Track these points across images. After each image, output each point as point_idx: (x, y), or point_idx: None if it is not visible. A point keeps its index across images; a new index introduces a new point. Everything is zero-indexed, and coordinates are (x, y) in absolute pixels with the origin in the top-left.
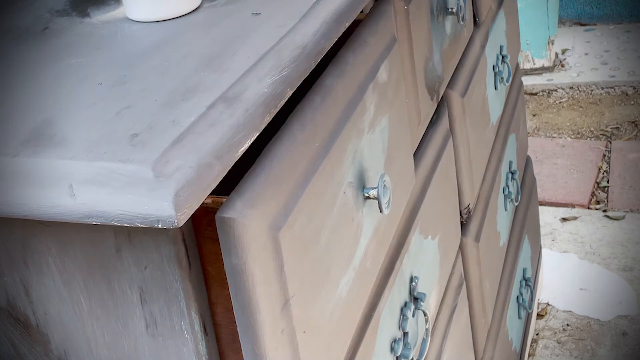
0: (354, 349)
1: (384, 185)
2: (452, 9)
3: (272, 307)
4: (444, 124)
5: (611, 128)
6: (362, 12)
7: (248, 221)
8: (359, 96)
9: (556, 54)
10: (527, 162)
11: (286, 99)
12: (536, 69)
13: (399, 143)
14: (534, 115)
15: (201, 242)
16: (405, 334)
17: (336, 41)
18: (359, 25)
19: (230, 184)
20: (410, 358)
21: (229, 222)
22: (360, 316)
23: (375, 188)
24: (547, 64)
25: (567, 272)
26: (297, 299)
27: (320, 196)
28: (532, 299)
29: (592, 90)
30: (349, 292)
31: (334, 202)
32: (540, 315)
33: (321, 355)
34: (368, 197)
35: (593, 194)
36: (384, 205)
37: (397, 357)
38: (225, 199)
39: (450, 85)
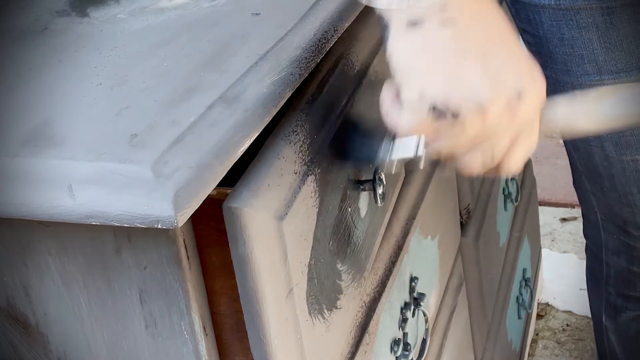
0: (354, 349)
1: (379, 177)
2: None
3: (277, 295)
4: None
5: None
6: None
7: (254, 211)
8: (358, 94)
9: None
10: (527, 162)
11: (286, 99)
12: None
13: None
14: None
15: (206, 232)
16: (405, 334)
17: (336, 41)
18: (358, 25)
19: (229, 178)
20: (410, 358)
21: (235, 212)
22: (360, 314)
23: (370, 181)
24: None
25: (567, 272)
26: (300, 288)
27: (321, 187)
28: (531, 299)
29: None
30: (350, 282)
31: (334, 193)
32: (540, 316)
33: (324, 343)
34: (364, 190)
35: None
36: (379, 197)
37: (397, 357)
38: (229, 190)
39: None
